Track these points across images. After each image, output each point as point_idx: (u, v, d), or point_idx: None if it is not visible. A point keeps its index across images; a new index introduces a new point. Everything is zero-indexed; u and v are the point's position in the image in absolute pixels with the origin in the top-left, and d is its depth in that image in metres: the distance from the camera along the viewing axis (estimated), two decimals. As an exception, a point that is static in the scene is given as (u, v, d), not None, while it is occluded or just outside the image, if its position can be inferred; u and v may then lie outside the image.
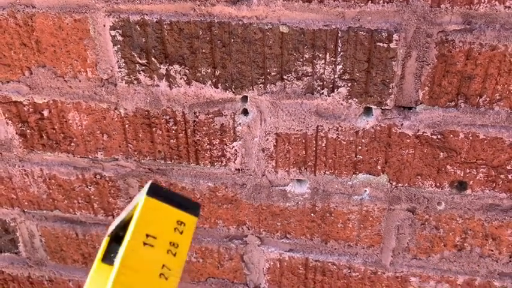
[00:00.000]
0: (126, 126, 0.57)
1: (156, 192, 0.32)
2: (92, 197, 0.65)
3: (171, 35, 0.50)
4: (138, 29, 0.50)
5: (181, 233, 0.33)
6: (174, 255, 0.32)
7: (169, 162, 0.59)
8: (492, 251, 0.58)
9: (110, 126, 0.58)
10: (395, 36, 0.46)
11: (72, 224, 0.69)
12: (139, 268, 0.31)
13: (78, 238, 0.70)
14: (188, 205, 0.34)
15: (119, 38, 0.51)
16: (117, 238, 0.37)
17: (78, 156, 0.62)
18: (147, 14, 0.50)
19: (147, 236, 0.31)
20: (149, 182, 0.34)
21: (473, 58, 0.46)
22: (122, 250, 0.31)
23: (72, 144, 0.61)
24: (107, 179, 0.63)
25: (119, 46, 0.52)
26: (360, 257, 0.62)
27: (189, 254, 0.67)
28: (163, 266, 0.31)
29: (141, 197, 0.33)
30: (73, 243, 0.71)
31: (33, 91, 0.57)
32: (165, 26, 0.50)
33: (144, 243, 0.31)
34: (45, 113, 0.59)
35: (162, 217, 0.32)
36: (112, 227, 0.38)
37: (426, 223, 0.58)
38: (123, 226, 0.35)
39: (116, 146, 0.59)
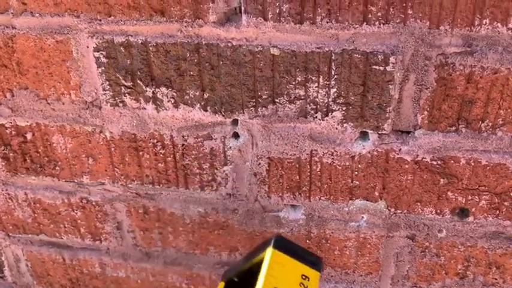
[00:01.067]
0: (112, 149, 0.55)
1: (282, 245, 0.34)
2: (79, 221, 0.63)
3: (157, 57, 0.48)
4: (123, 50, 0.48)
5: (306, 287, 0.34)
6: None
7: (158, 186, 0.57)
8: (496, 279, 0.56)
9: (96, 150, 0.56)
10: (392, 59, 0.44)
11: (58, 248, 0.66)
12: None
13: (65, 263, 0.67)
14: (312, 259, 0.36)
15: (103, 59, 0.49)
16: (231, 283, 0.39)
17: (63, 180, 0.59)
18: (131, 35, 0.47)
19: None
20: (275, 236, 0.36)
21: (475, 82, 0.44)
22: None
23: (57, 168, 0.58)
24: (94, 203, 0.60)
25: (103, 68, 0.50)
26: (357, 284, 0.60)
27: (179, 281, 0.65)
28: None
29: (268, 249, 0.34)
30: (60, 268, 0.68)
31: (15, 113, 0.55)
32: (150, 48, 0.47)
33: None
34: (29, 136, 0.56)
35: (288, 271, 0.33)
36: (228, 273, 0.40)
37: (426, 250, 0.55)
38: (239, 273, 0.37)
39: (102, 169, 0.57)
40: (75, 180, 0.59)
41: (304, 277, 0.34)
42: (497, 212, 0.51)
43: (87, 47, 0.49)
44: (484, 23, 0.41)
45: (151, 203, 0.58)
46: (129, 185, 0.57)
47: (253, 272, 0.35)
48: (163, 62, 0.48)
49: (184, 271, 0.64)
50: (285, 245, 0.35)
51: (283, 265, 0.34)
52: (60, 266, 0.68)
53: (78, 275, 0.68)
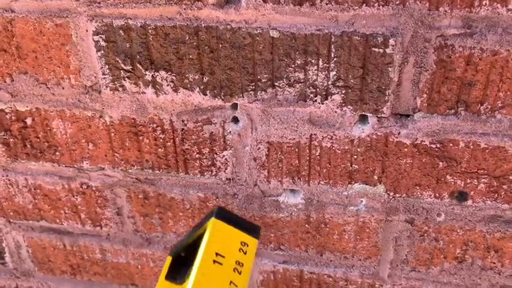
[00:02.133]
0: (112, 134, 0.55)
1: (223, 215, 0.37)
2: (79, 207, 0.63)
3: (157, 40, 0.48)
4: (122, 34, 0.48)
5: (245, 253, 0.37)
6: (240, 273, 0.35)
7: (158, 171, 0.57)
8: (494, 263, 0.56)
9: (95, 135, 0.56)
10: (391, 41, 0.44)
11: (59, 234, 0.67)
12: (210, 284, 0.34)
13: (66, 249, 0.68)
14: (250, 228, 0.38)
15: (103, 43, 0.49)
16: (178, 258, 0.41)
17: (64, 165, 0.59)
18: (131, 19, 0.47)
19: (217, 254, 0.35)
20: (217, 207, 0.39)
21: (474, 64, 0.44)
22: (195, 267, 0.34)
23: (57, 153, 0.58)
24: (94, 188, 0.60)
25: (102, 52, 0.50)
26: (356, 269, 0.60)
27: (179, 266, 0.65)
28: (230, 282, 0.35)
29: (210, 220, 0.36)
30: (61, 254, 0.69)
31: (15, 98, 0.55)
32: (150, 31, 0.47)
33: (214, 261, 0.35)
34: (28, 121, 0.56)
35: (228, 238, 0.36)
36: (175, 249, 0.42)
37: (425, 235, 0.55)
38: (185, 247, 0.40)
39: (102, 155, 0.57)
40: (75, 166, 0.59)
41: (243, 243, 0.37)
42: (496, 195, 0.51)
43: (87, 31, 0.49)
44: (483, 4, 0.41)
45: (152, 188, 0.59)
46: (129, 170, 0.58)
47: (198, 245, 0.38)
48: (162, 45, 0.48)
49: (185, 256, 0.64)
50: (226, 216, 0.38)
51: (224, 233, 0.37)
52: (61, 252, 0.68)
53: (79, 261, 0.69)
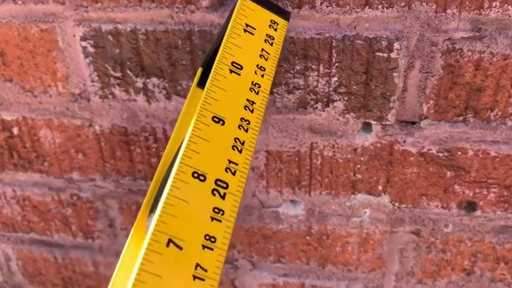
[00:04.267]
0: (102, 144, 0.52)
1: None
2: (70, 218, 0.60)
3: (147, 45, 0.45)
4: (111, 39, 0.45)
5: (275, 30, 0.36)
6: (271, 44, 0.35)
7: (151, 182, 0.54)
8: (504, 275, 0.54)
9: (85, 144, 0.53)
10: (396, 45, 0.41)
11: (50, 247, 0.64)
12: (242, 46, 0.34)
13: (57, 262, 0.65)
14: (280, 10, 0.37)
15: (91, 49, 0.46)
16: (209, 68, 0.37)
17: (53, 176, 0.57)
18: (120, 23, 0.45)
19: (247, 25, 0.35)
20: None
21: (484, 68, 0.41)
22: (225, 37, 0.33)
23: (46, 163, 0.56)
24: (85, 200, 0.58)
25: (90, 58, 0.47)
26: (360, 281, 0.57)
27: (175, 279, 0.62)
28: (262, 49, 0.35)
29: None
30: (52, 267, 0.66)
31: (0, 107, 0.52)
32: (140, 36, 0.45)
33: (245, 30, 0.34)
34: (15, 130, 0.54)
35: (258, 15, 0.36)
36: (205, 58, 0.40)
37: (432, 246, 0.53)
38: (213, 56, 0.36)
39: (92, 165, 0.54)
40: (65, 176, 0.56)
41: (273, 22, 0.37)
42: (506, 205, 0.49)
43: (74, 36, 0.46)
44: (493, 5, 0.39)
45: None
46: (121, 181, 0.55)
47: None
48: (153, 50, 0.45)
49: (180, 269, 0.61)
50: None
51: (253, 10, 0.36)
52: (52, 265, 0.66)
53: (71, 274, 0.66)
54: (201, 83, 0.38)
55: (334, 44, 0.42)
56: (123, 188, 0.56)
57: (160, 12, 0.43)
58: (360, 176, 0.49)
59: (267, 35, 0.36)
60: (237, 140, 0.30)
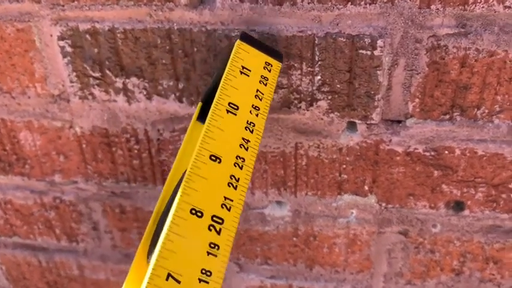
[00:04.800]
0: (84, 146, 0.51)
1: (247, 38, 0.38)
2: (53, 222, 0.59)
3: (126, 44, 0.44)
4: (89, 38, 0.44)
5: (269, 71, 0.38)
6: (265, 85, 0.37)
7: (134, 184, 0.53)
8: (493, 275, 0.53)
9: (66, 147, 0.52)
10: (379, 42, 0.40)
11: (33, 250, 0.63)
12: (238, 88, 0.36)
13: (42, 265, 0.64)
14: (273, 52, 0.39)
15: (69, 49, 0.45)
16: (208, 104, 0.40)
17: (34, 179, 0.55)
18: (98, 22, 0.43)
19: (243, 67, 0.37)
20: (241, 31, 0.40)
21: (469, 65, 0.41)
22: (224, 77, 0.36)
23: (27, 166, 0.54)
24: (67, 203, 0.57)
25: (69, 58, 0.46)
26: (348, 283, 0.57)
27: (161, 282, 0.61)
28: (257, 90, 0.37)
29: (236, 43, 0.38)
30: (36, 271, 0.65)
31: (-22, 109, 0.51)
32: (118, 35, 0.44)
33: (241, 72, 0.37)
34: (-6, 132, 0.53)
35: (253, 57, 0.38)
36: (204, 94, 0.43)
37: (420, 246, 0.52)
38: (213, 90, 0.38)
39: (74, 167, 0.53)
40: (47, 179, 0.55)
41: (267, 63, 0.39)
42: (495, 204, 0.48)
43: (51, 36, 0.45)
44: (478, 1, 0.38)
45: (128, 201, 0.55)
46: (104, 183, 0.54)
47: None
48: (132, 49, 0.44)
49: (167, 272, 0.60)
50: (249, 39, 0.39)
51: (249, 53, 0.38)
52: (36, 269, 0.65)
53: (56, 278, 0.65)
54: (201, 117, 0.41)
55: (316, 42, 0.41)
56: (106, 190, 0.55)
57: (138, 10, 0.42)
58: (345, 176, 0.48)
59: (261, 76, 0.38)
60: (232, 177, 0.32)
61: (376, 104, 0.43)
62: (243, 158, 0.33)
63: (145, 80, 0.46)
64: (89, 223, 0.58)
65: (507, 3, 0.38)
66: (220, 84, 0.36)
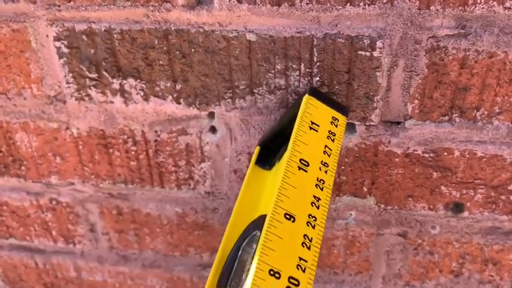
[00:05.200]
0: (80, 147, 0.51)
1: (315, 93, 0.40)
2: (50, 223, 0.59)
3: (123, 45, 0.44)
4: (86, 39, 0.44)
5: (336, 126, 0.39)
6: (333, 140, 0.38)
7: (131, 186, 0.53)
8: (492, 276, 0.53)
9: (63, 148, 0.51)
10: (378, 44, 0.40)
11: (30, 252, 0.62)
12: (308, 143, 0.37)
13: (38, 267, 0.64)
14: (340, 107, 0.41)
15: (65, 50, 0.45)
16: (266, 148, 0.43)
17: (30, 180, 0.55)
18: (94, 22, 0.43)
19: (312, 123, 0.38)
20: (309, 86, 0.42)
21: (469, 67, 0.40)
22: (294, 131, 0.37)
23: (23, 167, 0.54)
24: (64, 204, 0.56)
25: (65, 59, 0.45)
26: (347, 284, 0.56)
27: (159, 284, 0.61)
28: (325, 146, 0.38)
29: (304, 96, 0.39)
30: (33, 273, 0.64)
31: (-27, 110, 0.51)
32: (115, 36, 0.43)
33: (310, 128, 0.38)
34: (-10, 134, 0.52)
35: (321, 112, 0.39)
36: (263, 139, 0.45)
37: (419, 248, 0.52)
38: (273, 138, 0.43)
39: (71, 169, 0.53)
40: (43, 181, 0.55)
41: (334, 118, 0.40)
42: (494, 206, 0.48)
43: (47, 36, 0.45)
44: (478, 1, 0.37)
45: (125, 203, 0.55)
46: (101, 185, 0.53)
47: (286, 131, 0.39)
48: (129, 50, 0.44)
49: (164, 274, 0.60)
50: (318, 94, 0.40)
51: (317, 107, 0.39)
52: (33, 270, 0.64)
53: (53, 280, 0.65)
54: (260, 161, 0.43)
55: (315, 43, 0.41)
56: (103, 192, 0.54)
57: (135, 11, 0.42)
58: (344, 178, 0.48)
59: (329, 131, 0.39)
60: (305, 236, 0.32)
61: (375, 105, 0.43)
62: (314, 217, 0.33)
63: (142, 81, 0.45)
64: (86, 225, 0.58)
65: (507, 4, 0.37)
66: (291, 140, 0.36)
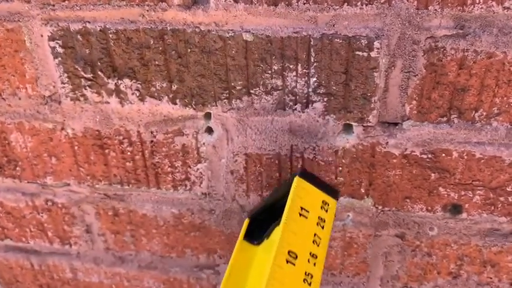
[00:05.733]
0: (76, 148, 0.50)
1: (306, 175, 0.40)
2: (45, 224, 0.58)
3: (118, 45, 0.43)
4: (80, 39, 0.43)
5: (326, 211, 0.39)
6: (322, 227, 0.38)
7: (127, 187, 0.52)
8: (491, 278, 0.52)
9: (58, 148, 0.51)
10: (376, 44, 0.39)
11: (26, 253, 0.62)
12: (297, 233, 0.36)
13: (34, 269, 0.63)
14: (330, 190, 0.41)
15: (59, 49, 0.44)
16: (254, 221, 0.43)
17: (26, 181, 0.55)
18: (89, 22, 0.43)
19: (302, 208, 0.38)
20: (300, 167, 0.43)
21: (467, 67, 0.40)
22: (283, 219, 0.36)
23: (18, 168, 0.54)
24: (60, 205, 0.56)
25: (60, 59, 0.45)
26: (345, 286, 0.56)
27: (156, 285, 0.61)
28: (315, 235, 0.37)
29: (295, 178, 0.39)
30: (29, 274, 0.64)
31: (-32, 110, 0.50)
32: (110, 35, 0.43)
33: (300, 214, 0.37)
34: (-16, 134, 0.52)
35: (311, 196, 0.39)
36: (252, 212, 0.45)
37: (417, 249, 0.52)
38: (262, 211, 0.43)
39: (66, 169, 0.52)
40: (38, 181, 0.54)
41: (324, 203, 0.40)
42: (492, 207, 0.47)
43: (42, 36, 0.44)
44: (477, 1, 0.37)
45: (121, 204, 0.54)
46: (96, 186, 0.53)
47: (275, 208, 0.40)
48: (125, 50, 0.43)
49: (161, 275, 0.60)
50: (308, 176, 0.40)
51: (308, 191, 0.39)
52: (29, 271, 0.64)
53: (49, 281, 0.64)
54: (248, 235, 0.42)
55: (312, 43, 0.40)
56: (99, 192, 0.54)
57: (130, 10, 0.41)
58: (341, 179, 0.48)
59: (319, 217, 0.38)
60: None
61: (372, 106, 0.43)
62: None
63: (138, 82, 0.45)
64: (81, 226, 0.57)
65: (506, 4, 0.37)
66: (281, 230, 0.36)
